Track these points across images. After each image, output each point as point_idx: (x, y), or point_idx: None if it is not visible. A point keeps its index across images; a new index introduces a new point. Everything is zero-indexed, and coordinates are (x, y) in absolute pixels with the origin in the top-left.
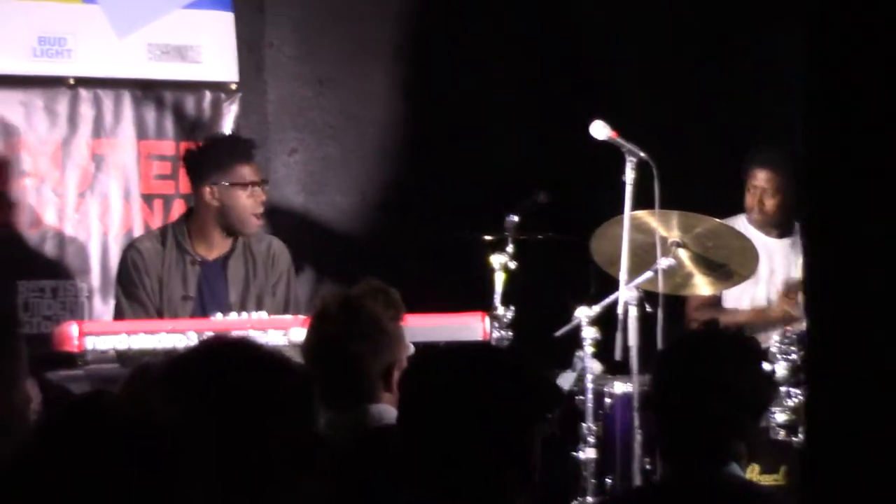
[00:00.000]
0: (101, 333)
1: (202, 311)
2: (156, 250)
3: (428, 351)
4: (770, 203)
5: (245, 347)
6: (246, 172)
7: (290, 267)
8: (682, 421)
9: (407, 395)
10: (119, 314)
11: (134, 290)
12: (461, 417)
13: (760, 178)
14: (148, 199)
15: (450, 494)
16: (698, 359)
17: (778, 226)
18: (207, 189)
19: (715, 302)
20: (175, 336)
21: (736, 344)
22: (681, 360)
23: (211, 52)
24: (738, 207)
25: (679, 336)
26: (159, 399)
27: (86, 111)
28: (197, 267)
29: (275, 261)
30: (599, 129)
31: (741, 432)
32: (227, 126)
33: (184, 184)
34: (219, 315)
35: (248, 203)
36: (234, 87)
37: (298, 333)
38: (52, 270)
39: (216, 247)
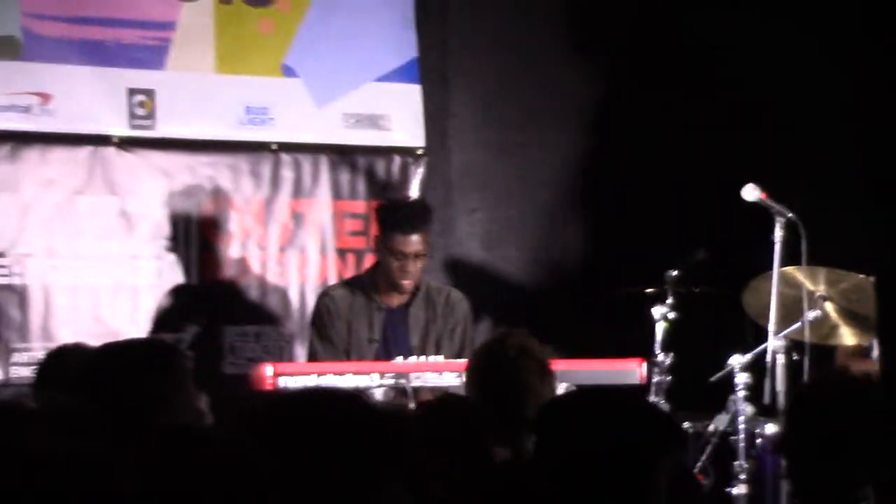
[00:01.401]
0: (294, 374)
1: (386, 353)
2: (346, 297)
3: (564, 394)
4: None
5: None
6: (398, 242)
7: (467, 315)
8: (808, 465)
9: (541, 434)
10: (312, 354)
11: (326, 332)
12: (590, 453)
13: None
14: (342, 253)
15: None
16: (826, 406)
17: None
18: (376, 245)
19: (862, 351)
20: (360, 377)
21: (864, 391)
22: (809, 407)
23: (400, 120)
24: None
25: (810, 382)
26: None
27: (287, 174)
28: (382, 313)
29: (453, 309)
30: (750, 192)
31: (868, 477)
32: (413, 188)
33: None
34: (399, 358)
35: (395, 269)
36: (420, 152)
37: None
38: (255, 317)
39: (398, 295)
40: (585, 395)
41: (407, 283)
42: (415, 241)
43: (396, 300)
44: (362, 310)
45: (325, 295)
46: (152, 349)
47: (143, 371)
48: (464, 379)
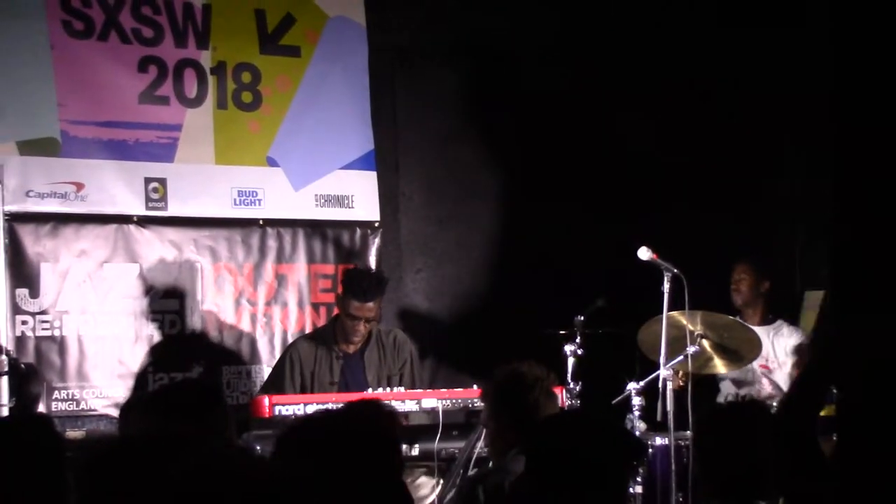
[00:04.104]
0: (286, 403)
1: (346, 392)
2: (310, 349)
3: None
4: (744, 286)
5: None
6: (352, 306)
7: (412, 352)
8: (721, 468)
9: (533, 456)
10: (263, 388)
11: (280, 380)
12: (577, 470)
13: (738, 271)
14: (315, 306)
15: None
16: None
17: (757, 313)
18: (336, 302)
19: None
20: (338, 405)
21: (764, 412)
22: (719, 423)
23: (360, 199)
24: None
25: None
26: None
27: (271, 243)
28: (340, 360)
29: (399, 348)
30: (644, 253)
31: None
32: (371, 253)
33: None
34: (370, 389)
35: (348, 327)
36: (376, 225)
37: (429, 402)
38: (247, 358)
39: (353, 343)
40: (568, 416)
41: (357, 340)
42: (367, 307)
43: (353, 347)
44: (324, 358)
45: (292, 347)
46: (208, 390)
47: (207, 408)
48: (422, 405)
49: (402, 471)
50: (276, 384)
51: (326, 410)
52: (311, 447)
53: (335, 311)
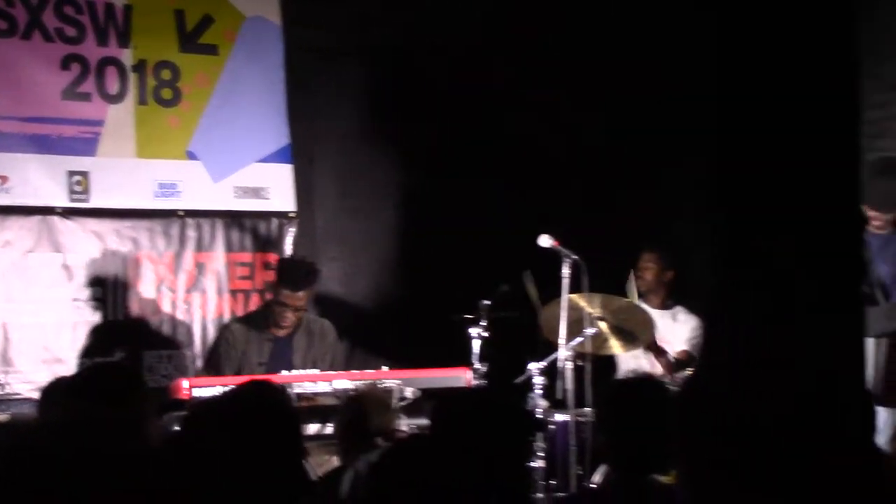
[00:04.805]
0: (204, 386)
1: (274, 372)
2: (242, 330)
3: (455, 394)
4: (649, 275)
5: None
6: (284, 295)
7: (335, 341)
8: (624, 441)
9: (440, 424)
10: (204, 370)
11: (217, 359)
12: (487, 443)
13: (644, 259)
14: (233, 293)
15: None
16: (635, 395)
17: (658, 298)
18: (269, 289)
19: None
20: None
21: (660, 386)
22: (621, 396)
23: (277, 191)
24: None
25: (623, 378)
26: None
27: (191, 233)
28: (270, 343)
29: (325, 336)
30: (545, 240)
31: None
32: (287, 242)
33: (258, 282)
34: (284, 371)
35: (277, 314)
36: (292, 215)
37: (340, 384)
38: (168, 343)
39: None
40: (473, 394)
41: (286, 325)
42: (298, 296)
43: (283, 332)
44: (255, 340)
45: (226, 328)
46: (128, 373)
47: (127, 391)
48: (334, 386)
49: (303, 448)
50: (213, 365)
51: (222, 393)
52: (210, 428)
53: (254, 297)
